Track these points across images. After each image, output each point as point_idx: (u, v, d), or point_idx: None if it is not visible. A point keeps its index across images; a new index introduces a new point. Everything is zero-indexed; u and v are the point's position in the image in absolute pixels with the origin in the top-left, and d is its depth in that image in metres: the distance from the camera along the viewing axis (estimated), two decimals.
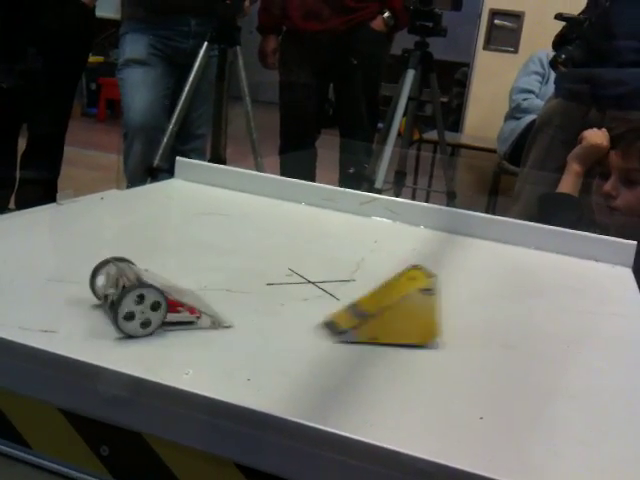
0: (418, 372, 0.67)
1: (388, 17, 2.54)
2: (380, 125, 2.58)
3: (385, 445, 0.46)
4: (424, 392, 0.63)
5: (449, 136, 3.08)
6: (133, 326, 0.62)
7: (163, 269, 0.89)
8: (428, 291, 0.71)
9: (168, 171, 2.24)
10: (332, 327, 0.72)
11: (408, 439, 0.50)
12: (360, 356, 0.68)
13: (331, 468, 0.47)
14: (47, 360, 0.55)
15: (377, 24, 2.58)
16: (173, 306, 0.66)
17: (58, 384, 0.54)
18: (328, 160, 2.80)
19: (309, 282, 0.90)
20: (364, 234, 1.20)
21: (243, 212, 1.25)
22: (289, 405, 0.53)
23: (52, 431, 0.55)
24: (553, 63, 1.95)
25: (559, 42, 1.98)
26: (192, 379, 0.56)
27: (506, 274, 1.07)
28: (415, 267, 0.76)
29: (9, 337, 0.55)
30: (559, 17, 1.87)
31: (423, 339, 0.72)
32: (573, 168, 1.75)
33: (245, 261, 0.96)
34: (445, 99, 4.90)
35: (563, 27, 1.97)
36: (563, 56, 1.91)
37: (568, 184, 1.74)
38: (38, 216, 1.08)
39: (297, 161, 2.69)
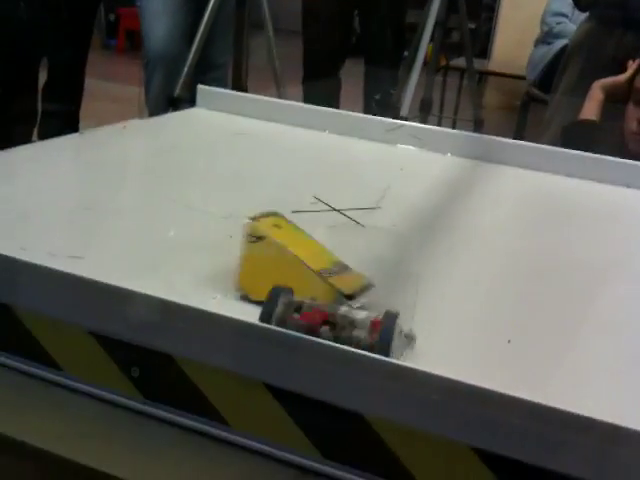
0: (447, 297, 0.66)
1: None
2: (406, 54, 2.51)
3: (411, 365, 0.45)
4: (453, 315, 0.62)
5: (477, 63, 2.99)
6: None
7: (188, 197, 0.89)
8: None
9: (189, 101, 2.21)
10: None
11: (438, 360, 0.50)
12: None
13: (357, 388, 0.47)
14: (76, 284, 0.55)
15: None
16: None
17: (87, 308, 0.55)
18: (352, 89, 2.74)
19: (334, 210, 0.89)
20: (390, 162, 1.18)
21: (267, 140, 1.23)
22: None
23: (83, 354, 0.55)
24: None
25: None
26: (220, 303, 0.56)
27: (536, 201, 1.05)
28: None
29: (39, 262, 0.55)
30: None
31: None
32: (596, 94, 1.70)
33: (270, 189, 0.95)
34: (473, 25, 4.74)
35: None
36: None
37: (591, 110, 1.70)
38: (61, 145, 1.08)
39: (320, 91, 2.64)
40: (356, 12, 2.69)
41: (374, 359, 0.46)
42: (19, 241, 0.64)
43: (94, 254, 0.67)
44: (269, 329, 0.51)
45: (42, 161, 0.96)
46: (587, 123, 1.69)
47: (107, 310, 0.54)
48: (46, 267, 0.55)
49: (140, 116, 2.19)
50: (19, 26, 2.57)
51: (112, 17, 6.08)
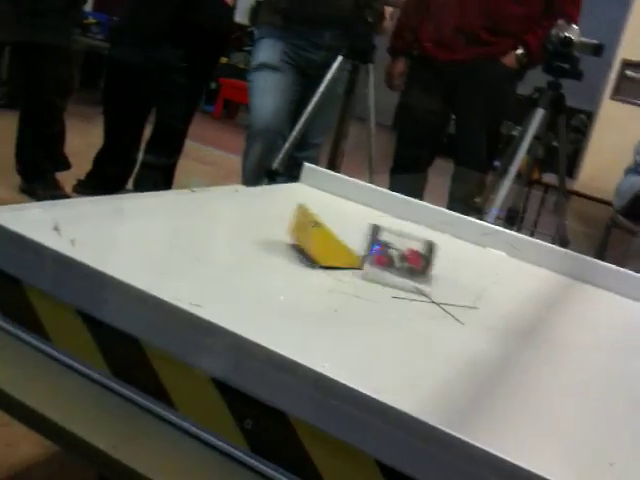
0: (550, 410, 0.67)
1: (521, 54, 2.52)
2: (496, 163, 2.55)
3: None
4: (558, 430, 0.62)
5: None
6: None
7: (289, 263, 0.92)
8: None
9: (284, 175, 2.30)
10: None
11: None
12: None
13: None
14: (199, 328, 0.58)
15: (509, 60, 2.55)
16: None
17: (212, 352, 0.57)
18: (436, 187, 2.79)
19: (433, 302, 0.91)
20: (484, 265, 1.20)
21: (364, 225, 1.27)
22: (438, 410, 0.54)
23: (199, 396, 0.58)
24: None
25: None
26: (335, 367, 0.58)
27: (629, 328, 1.04)
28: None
29: (165, 301, 0.59)
30: None
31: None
32: None
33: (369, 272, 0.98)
34: (557, 144, 4.79)
35: None
36: None
37: None
38: (176, 199, 1.13)
39: (407, 183, 2.70)
40: (452, 115, 2.77)
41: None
42: (149, 280, 0.67)
43: (211, 302, 0.70)
44: (381, 403, 0.52)
45: (163, 211, 1.01)
46: None
47: (230, 357, 0.57)
48: (172, 305, 0.58)
49: (236, 182, 2.28)
50: (136, 79, 2.75)
51: (213, 85, 6.39)
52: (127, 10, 2.86)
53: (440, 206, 1.49)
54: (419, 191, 2.79)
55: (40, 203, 0.79)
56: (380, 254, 0.92)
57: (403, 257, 0.92)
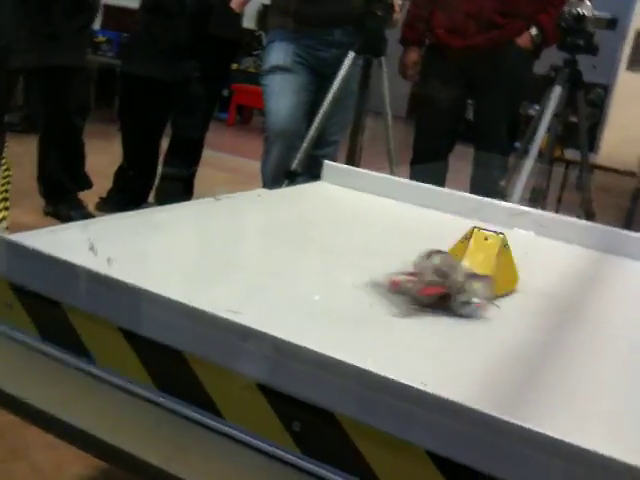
0: (602, 386, 0.66)
1: (535, 34, 2.50)
2: (517, 144, 2.53)
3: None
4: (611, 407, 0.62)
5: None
6: None
7: (321, 264, 0.93)
8: (506, 246, 0.89)
9: (304, 175, 2.31)
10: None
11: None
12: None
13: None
14: (239, 334, 0.58)
15: (523, 41, 2.53)
16: None
17: (255, 358, 0.58)
18: (457, 173, 2.78)
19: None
20: (513, 246, 1.19)
21: (390, 218, 1.27)
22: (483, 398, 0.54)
23: (246, 403, 0.58)
24: None
25: None
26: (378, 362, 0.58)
27: None
28: (477, 229, 0.91)
29: (203, 311, 0.60)
30: None
31: (513, 285, 0.89)
32: None
33: (396, 264, 0.97)
34: (575, 119, 4.74)
35: None
36: None
37: None
38: (200, 208, 1.14)
39: (427, 173, 2.69)
40: (469, 101, 2.75)
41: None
42: (187, 291, 0.68)
43: (250, 309, 0.71)
44: (428, 394, 0.52)
45: (190, 222, 1.02)
46: None
47: (273, 362, 0.57)
48: (216, 316, 0.59)
49: (256, 187, 2.29)
50: (151, 93, 2.77)
51: (226, 92, 6.41)
52: (142, 25, 2.88)
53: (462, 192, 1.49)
54: (441, 180, 2.78)
55: (73, 224, 0.80)
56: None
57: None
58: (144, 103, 2.84)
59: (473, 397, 0.56)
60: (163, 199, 2.92)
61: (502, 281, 0.84)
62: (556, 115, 2.13)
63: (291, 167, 2.24)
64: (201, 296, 0.69)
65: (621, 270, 1.12)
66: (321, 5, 2.44)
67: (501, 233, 0.88)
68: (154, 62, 2.71)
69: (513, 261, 0.90)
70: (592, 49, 2.12)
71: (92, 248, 0.68)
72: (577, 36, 2.09)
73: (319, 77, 2.51)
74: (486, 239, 0.89)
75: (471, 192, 2.71)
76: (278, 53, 2.49)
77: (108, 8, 5.76)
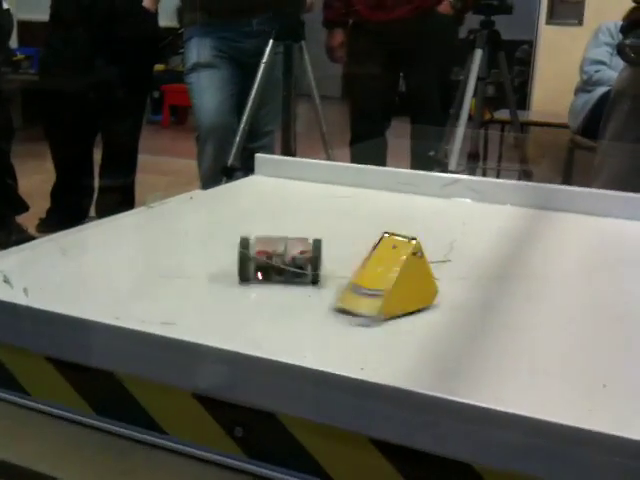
0: (537, 343, 0.67)
1: (455, 0, 2.52)
2: (451, 110, 2.55)
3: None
4: (546, 361, 0.63)
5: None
6: None
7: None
8: (418, 253, 0.73)
9: (242, 169, 2.28)
10: (349, 313, 0.70)
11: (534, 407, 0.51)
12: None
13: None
14: (170, 346, 0.57)
15: (444, 8, 2.55)
16: None
17: (188, 370, 0.57)
18: (398, 148, 2.79)
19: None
20: (450, 216, 1.20)
21: (327, 202, 1.26)
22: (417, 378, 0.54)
23: (186, 416, 0.57)
24: (621, 48, 1.89)
25: (629, 26, 1.91)
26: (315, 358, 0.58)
27: (601, 246, 1.05)
28: (389, 234, 0.76)
29: (133, 327, 0.58)
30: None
31: (429, 300, 0.74)
32: None
33: (338, 248, 0.97)
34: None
35: (632, 9, 1.91)
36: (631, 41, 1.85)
37: None
38: (133, 219, 1.12)
39: (367, 152, 2.69)
40: (401, 73, 2.76)
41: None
42: (112, 310, 0.66)
43: (184, 320, 0.69)
44: (363, 381, 0.51)
45: (120, 235, 1.00)
46: None
47: (206, 371, 0.56)
48: (144, 332, 0.58)
49: (194, 187, 2.26)
50: (74, 106, 2.70)
51: (156, 94, 6.32)
52: (52, 38, 2.81)
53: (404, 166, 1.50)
54: (381, 157, 2.80)
55: None
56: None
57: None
58: (68, 117, 2.78)
59: (409, 377, 0.56)
60: (104, 212, 2.87)
61: (409, 296, 0.71)
62: (481, 78, 2.15)
63: (227, 163, 2.22)
64: (129, 312, 0.68)
65: (554, 224, 1.13)
66: None
67: (414, 239, 0.73)
68: (69, 74, 2.65)
69: (429, 271, 0.74)
70: (507, 9, 2.14)
71: (6, 280, 0.65)
72: None
73: (242, 69, 2.49)
74: (394, 247, 0.74)
75: (411, 165, 2.74)
76: (197, 50, 2.46)
77: (24, 24, 5.60)
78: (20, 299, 0.62)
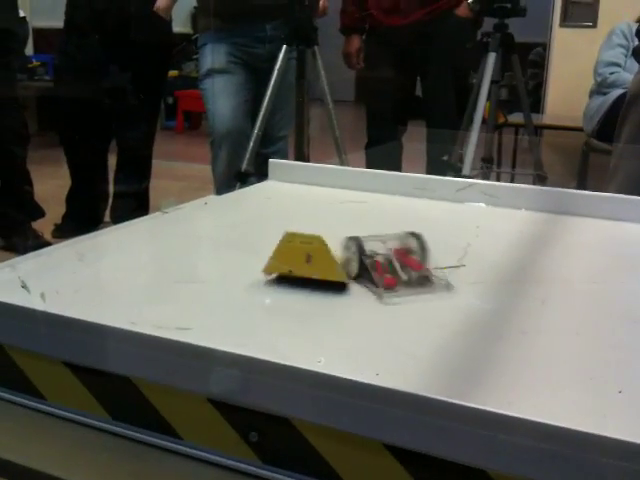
0: (554, 349, 0.66)
1: (473, 2, 2.50)
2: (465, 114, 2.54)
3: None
4: (562, 367, 0.62)
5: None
6: None
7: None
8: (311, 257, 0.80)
9: (255, 175, 2.29)
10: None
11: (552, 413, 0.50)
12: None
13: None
14: (185, 352, 0.57)
15: (462, 11, 2.54)
16: None
17: (203, 375, 0.57)
18: (414, 152, 2.79)
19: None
20: (464, 220, 1.20)
21: (342, 206, 1.26)
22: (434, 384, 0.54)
23: (201, 421, 0.57)
24: (636, 51, 1.89)
25: None
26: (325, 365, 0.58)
27: (617, 250, 1.04)
28: (291, 234, 0.83)
29: (148, 332, 0.58)
30: None
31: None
32: None
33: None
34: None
35: None
36: None
37: None
38: (148, 225, 1.12)
39: (382, 156, 2.69)
40: (418, 78, 2.76)
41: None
42: (128, 315, 0.67)
43: (200, 324, 0.69)
44: (379, 388, 0.51)
45: (136, 241, 1.01)
46: None
47: (222, 376, 0.56)
48: (159, 337, 0.58)
49: (209, 192, 2.27)
50: (89, 112, 2.72)
51: (170, 100, 6.35)
52: (65, 45, 2.83)
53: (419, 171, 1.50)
54: (396, 161, 2.80)
55: (6, 262, 0.78)
56: (386, 276, 0.81)
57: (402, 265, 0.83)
58: (82, 123, 2.80)
59: (426, 383, 0.56)
60: (118, 217, 2.89)
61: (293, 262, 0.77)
62: (495, 81, 2.15)
63: (241, 168, 2.23)
64: (145, 317, 0.68)
65: (568, 228, 1.13)
66: (247, 0, 2.43)
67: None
68: (83, 80, 2.67)
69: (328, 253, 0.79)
70: (520, 11, 2.14)
71: (24, 286, 0.66)
72: (504, 0, 2.10)
73: (256, 74, 2.50)
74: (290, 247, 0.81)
75: (427, 169, 2.74)
76: (211, 55, 2.47)
77: (39, 31, 5.66)
78: (37, 304, 0.63)
